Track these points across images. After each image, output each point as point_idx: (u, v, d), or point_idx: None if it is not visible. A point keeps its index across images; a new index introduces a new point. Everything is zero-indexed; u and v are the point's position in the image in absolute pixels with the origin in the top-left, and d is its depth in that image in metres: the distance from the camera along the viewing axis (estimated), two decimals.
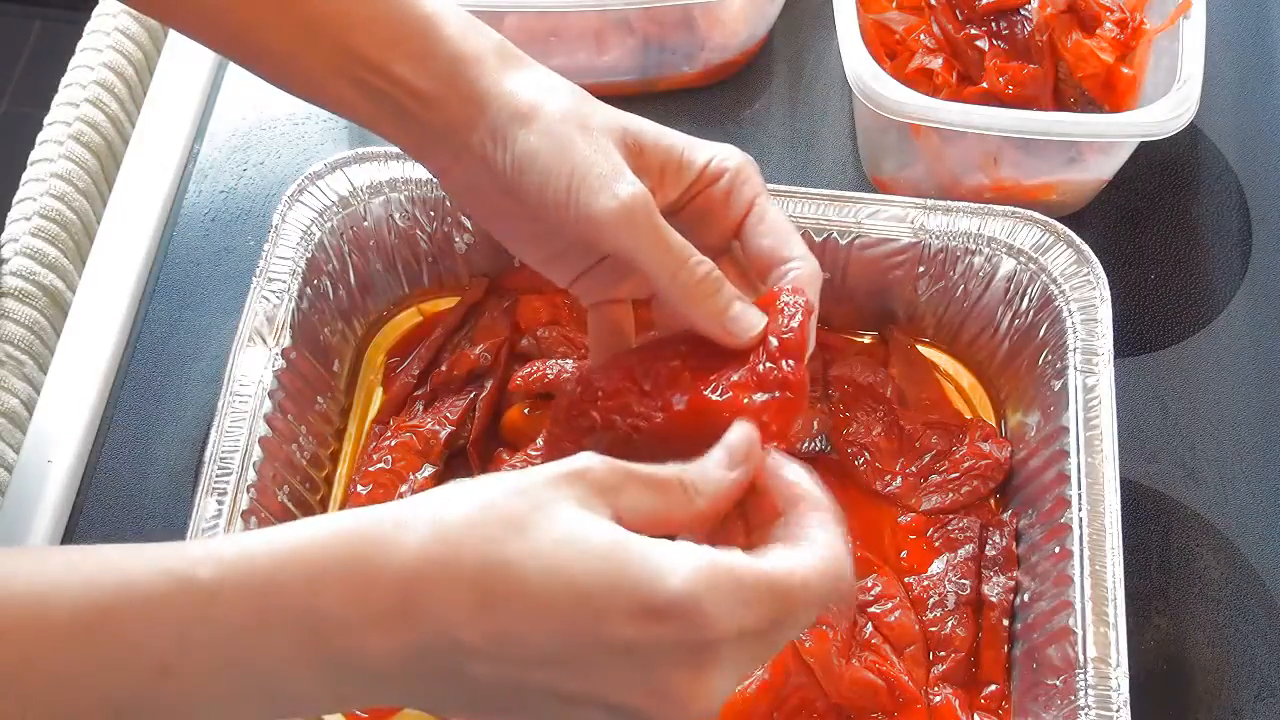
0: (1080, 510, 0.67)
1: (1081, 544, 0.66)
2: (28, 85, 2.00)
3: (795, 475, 0.51)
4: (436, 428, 0.76)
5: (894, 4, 0.89)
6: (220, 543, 0.44)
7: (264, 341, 0.72)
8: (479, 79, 0.56)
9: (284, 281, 0.74)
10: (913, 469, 0.77)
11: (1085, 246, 0.75)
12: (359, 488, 0.75)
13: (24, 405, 0.83)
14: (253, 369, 0.71)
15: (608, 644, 0.43)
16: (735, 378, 0.56)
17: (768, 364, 0.55)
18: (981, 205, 0.77)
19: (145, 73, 1.00)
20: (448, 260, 0.82)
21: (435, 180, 0.62)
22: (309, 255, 0.76)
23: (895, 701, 0.69)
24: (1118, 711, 0.62)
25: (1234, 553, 0.78)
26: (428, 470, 0.76)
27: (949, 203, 0.77)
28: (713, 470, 0.50)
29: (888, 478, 0.77)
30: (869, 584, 0.72)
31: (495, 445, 0.78)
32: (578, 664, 0.43)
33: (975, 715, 0.70)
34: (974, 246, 0.77)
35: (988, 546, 0.74)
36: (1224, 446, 0.81)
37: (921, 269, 0.78)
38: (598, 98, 0.59)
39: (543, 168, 0.55)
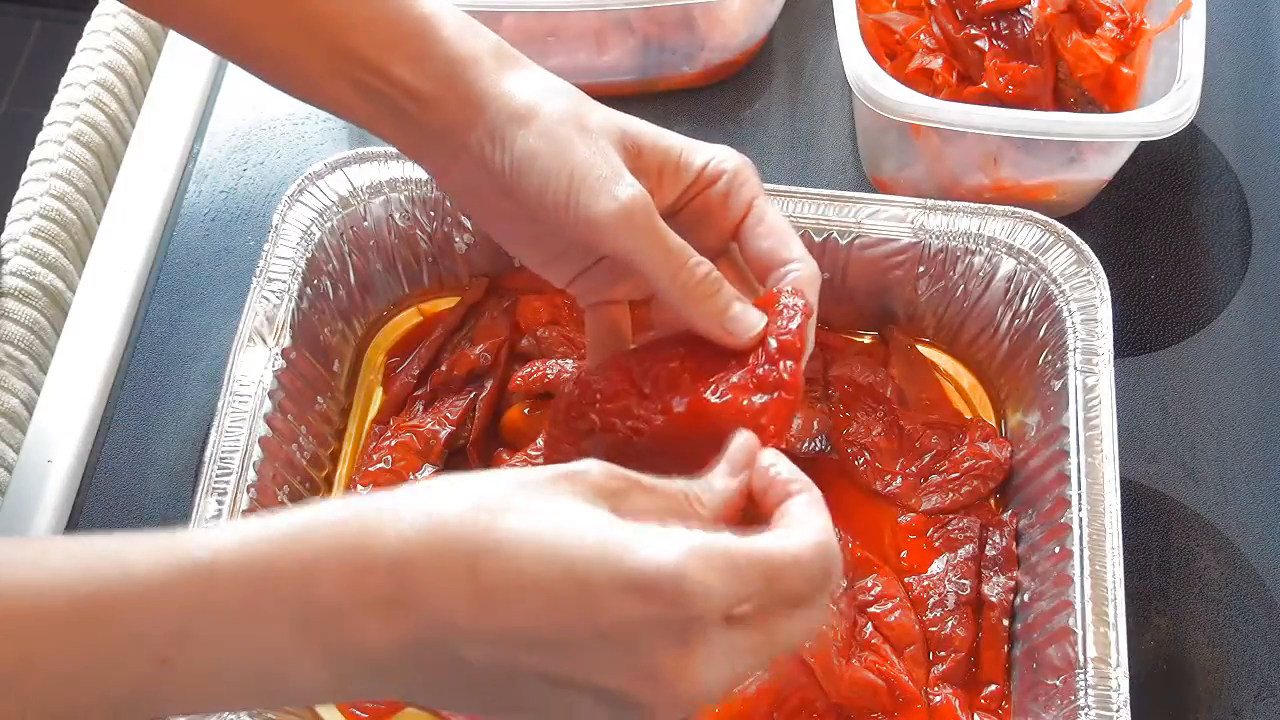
0: (1080, 510, 0.67)
1: (1081, 544, 0.66)
2: (28, 85, 2.00)
3: (786, 470, 0.51)
4: (436, 428, 0.76)
5: (894, 4, 0.89)
6: (218, 531, 0.45)
7: (264, 341, 0.72)
8: (477, 80, 0.56)
9: (284, 281, 0.74)
10: (913, 469, 0.77)
11: (1085, 246, 0.75)
12: (359, 488, 0.75)
13: (24, 405, 0.83)
14: (253, 369, 0.71)
15: (596, 624, 0.43)
16: (734, 379, 0.56)
17: (766, 365, 0.55)
18: (981, 205, 0.77)
19: (145, 73, 1.00)
20: (448, 260, 0.82)
21: (435, 180, 0.62)
22: (309, 255, 0.76)
23: (895, 701, 0.69)
24: (1118, 711, 0.62)
25: (1234, 553, 0.78)
26: (428, 470, 0.76)
27: (949, 203, 0.77)
28: (716, 481, 0.50)
29: (888, 478, 0.77)
30: (869, 584, 0.72)
31: (495, 445, 0.78)
32: (568, 646, 0.43)
33: (975, 715, 0.70)
34: (974, 246, 0.77)
35: (988, 546, 0.74)
36: (1224, 446, 0.81)
37: (921, 269, 0.78)
38: (597, 98, 0.59)
39: (542, 169, 0.55)
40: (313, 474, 0.75)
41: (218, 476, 0.68)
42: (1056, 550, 0.68)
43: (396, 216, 0.79)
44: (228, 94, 0.96)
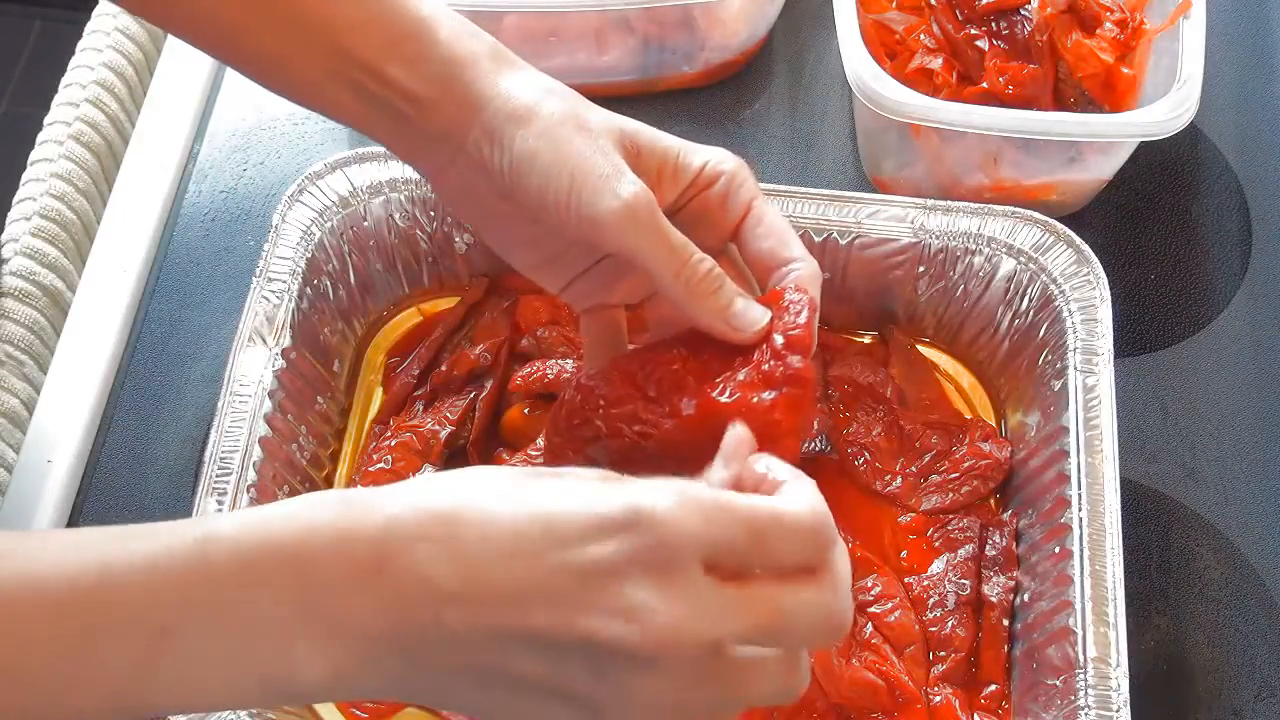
0: (1080, 510, 0.67)
1: (1081, 544, 0.66)
2: (28, 85, 2.00)
3: (781, 468, 0.50)
4: (436, 428, 0.76)
5: (894, 4, 0.89)
6: (214, 517, 0.45)
7: (264, 341, 0.72)
8: (474, 81, 0.56)
9: (284, 281, 0.74)
10: (913, 469, 0.77)
11: (1085, 246, 0.75)
12: (359, 488, 0.75)
13: (24, 405, 0.83)
14: (253, 369, 0.71)
15: (572, 567, 0.43)
16: (741, 378, 0.55)
17: (773, 361, 0.55)
18: (981, 205, 0.77)
19: (145, 73, 1.00)
20: (448, 260, 0.82)
21: (430, 183, 0.62)
22: (309, 255, 0.76)
23: (895, 701, 0.69)
24: (1118, 711, 0.62)
25: (1234, 553, 0.78)
26: (428, 470, 0.76)
27: (949, 203, 0.77)
28: (713, 477, 0.50)
29: (888, 478, 0.77)
30: (869, 584, 0.72)
31: (495, 445, 0.78)
32: (547, 594, 0.43)
33: (975, 715, 0.70)
34: (974, 246, 0.77)
35: (988, 546, 0.74)
36: (1224, 446, 0.81)
37: (921, 269, 0.78)
38: (597, 98, 0.59)
39: (542, 169, 0.55)
40: (313, 474, 0.75)
41: (218, 476, 0.68)
42: (1056, 550, 0.68)
43: (396, 216, 0.79)
44: (228, 94, 0.96)
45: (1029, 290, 0.76)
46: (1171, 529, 0.78)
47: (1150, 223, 0.90)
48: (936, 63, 0.87)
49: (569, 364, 0.77)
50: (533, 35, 0.88)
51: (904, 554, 0.75)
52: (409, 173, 0.78)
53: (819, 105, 0.96)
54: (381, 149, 0.78)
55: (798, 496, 0.46)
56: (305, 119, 0.95)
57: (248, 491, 0.68)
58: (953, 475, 0.76)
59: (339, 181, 0.78)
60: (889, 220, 0.77)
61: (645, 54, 0.92)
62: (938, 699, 0.70)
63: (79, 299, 0.87)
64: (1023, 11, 0.85)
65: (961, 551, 0.74)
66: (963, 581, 0.72)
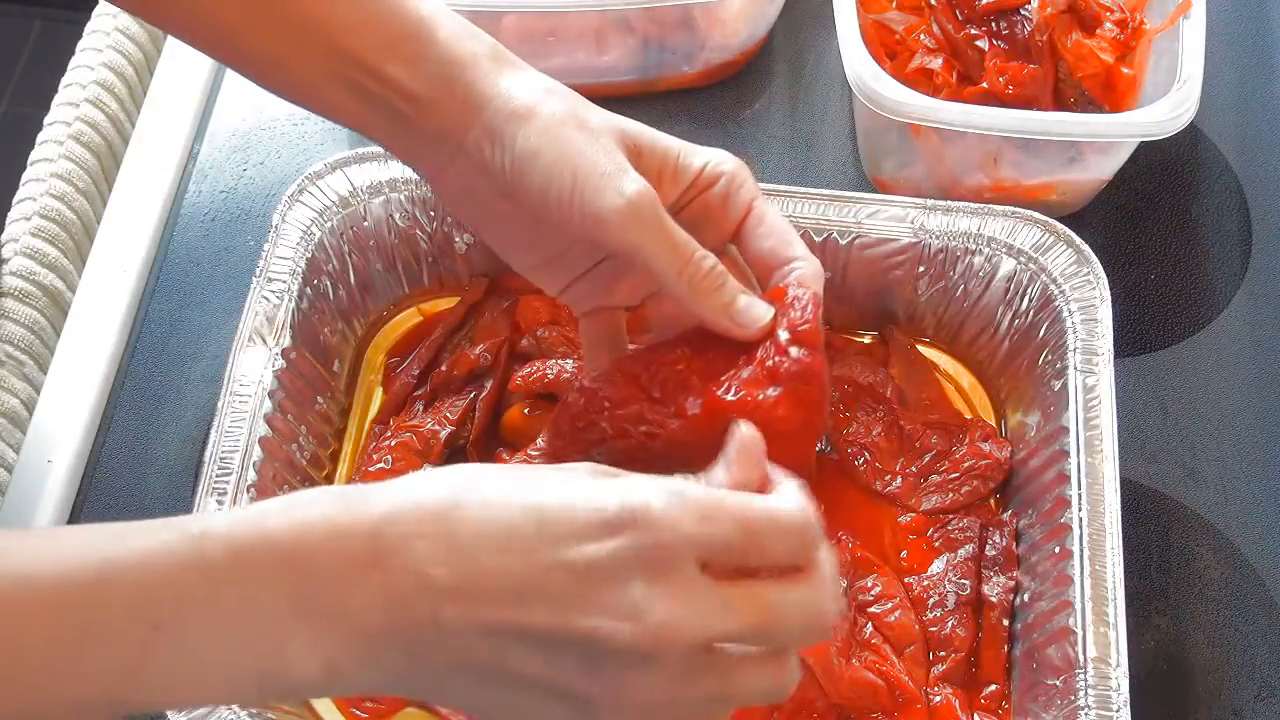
0: (1080, 510, 0.67)
1: (1081, 544, 0.66)
2: (28, 85, 2.00)
3: (774, 473, 0.51)
4: (436, 428, 0.76)
5: (894, 4, 0.89)
6: (211, 514, 0.45)
7: (264, 341, 0.72)
8: (474, 81, 0.56)
9: (284, 281, 0.74)
10: (913, 469, 0.77)
11: (1085, 246, 0.75)
12: (357, 484, 0.75)
13: (24, 405, 0.83)
14: (253, 369, 0.71)
15: (567, 565, 0.43)
16: (745, 375, 0.55)
17: (778, 357, 0.55)
18: (981, 205, 0.77)
19: (145, 73, 1.00)
20: (448, 260, 0.82)
21: (429, 184, 0.62)
22: (309, 255, 0.76)
23: (895, 701, 0.69)
24: (1118, 711, 0.62)
25: (1234, 553, 0.78)
26: (428, 470, 0.76)
27: (949, 203, 0.77)
28: (714, 479, 0.50)
29: (888, 478, 0.77)
30: (869, 584, 0.72)
31: (495, 445, 0.78)
32: (542, 591, 0.43)
33: (975, 715, 0.70)
34: (974, 246, 0.77)
35: (988, 546, 0.74)
36: (1224, 446, 0.81)
37: (921, 269, 0.78)
38: (597, 98, 0.59)
39: (544, 167, 0.55)
40: (313, 474, 0.75)
41: (218, 476, 0.68)
42: (1056, 550, 0.68)
43: (396, 216, 0.79)
44: (228, 94, 0.96)
45: (1029, 290, 0.76)
46: (1171, 529, 0.78)
47: (1150, 223, 0.90)
48: (936, 63, 0.87)
49: (569, 364, 0.77)
50: (532, 35, 0.88)
51: (904, 554, 0.75)
52: (409, 173, 0.78)
53: (819, 105, 0.96)
54: (381, 149, 0.78)
55: (788, 496, 0.47)
56: (305, 119, 0.95)
57: (248, 491, 0.68)
58: (953, 475, 0.76)
59: (339, 181, 0.78)
60: (889, 220, 0.77)
61: (645, 54, 0.92)
62: (938, 699, 0.70)
63: (79, 299, 0.87)
64: (1023, 11, 0.85)
65: (961, 551, 0.74)
66: (963, 581, 0.72)
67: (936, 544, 0.75)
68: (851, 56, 0.81)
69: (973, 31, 0.87)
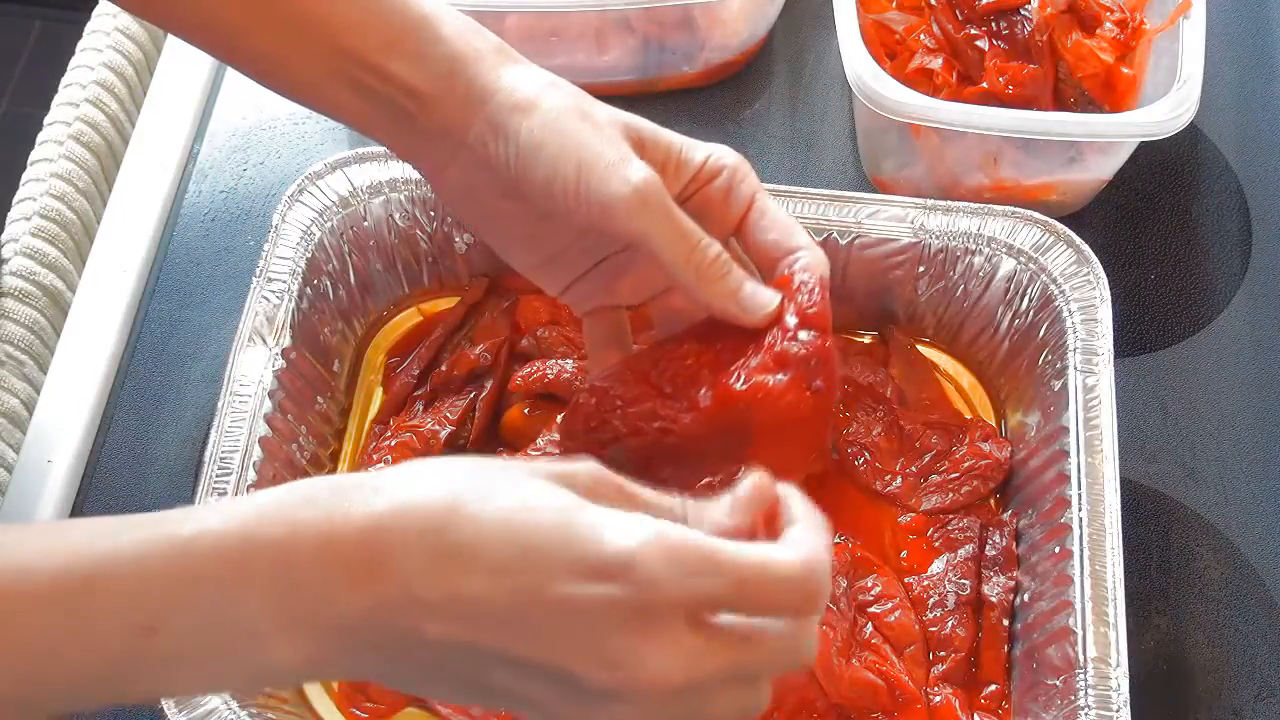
0: (1080, 510, 0.67)
1: (1081, 544, 0.66)
2: (28, 85, 2.00)
3: (796, 505, 0.49)
4: (436, 428, 0.76)
5: (894, 4, 0.89)
6: (202, 509, 0.45)
7: (264, 341, 0.72)
8: (477, 76, 0.56)
9: (284, 281, 0.74)
10: (913, 469, 0.77)
11: (1085, 246, 0.75)
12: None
13: (24, 405, 0.83)
14: (253, 369, 0.71)
15: (554, 603, 0.43)
16: (754, 363, 0.55)
17: (786, 342, 0.55)
18: (981, 205, 0.77)
19: (145, 73, 1.00)
20: (448, 260, 0.82)
21: (430, 183, 0.62)
22: (309, 255, 0.76)
23: (895, 701, 0.69)
24: (1118, 711, 0.62)
25: (1234, 553, 0.78)
26: (425, 464, 0.75)
27: (949, 203, 0.77)
28: (714, 512, 0.48)
29: (888, 478, 0.77)
30: (869, 584, 0.72)
31: (495, 445, 0.78)
32: (526, 624, 0.44)
33: (975, 715, 0.70)
34: (974, 246, 0.77)
35: (988, 546, 0.74)
36: (1224, 446, 0.81)
37: (921, 269, 0.78)
38: (597, 98, 0.59)
39: (549, 158, 0.55)
40: (312, 474, 0.75)
41: (218, 476, 0.68)
42: (1056, 550, 0.68)
43: (396, 216, 0.79)
44: (228, 94, 0.96)
45: (1029, 290, 0.76)
46: (1171, 529, 0.78)
47: (1150, 223, 0.90)
48: (936, 63, 0.87)
49: (569, 364, 0.77)
50: (534, 35, 0.89)
51: (904, 554, 0.75)
52: (409, 173, 0.78)
53: (819, 105, 0.96)
54: (382, 149, 0.78)
55: (793, 547, 0.46)
56: (305, 119, 0.95)
57: (247, 492, 0.68)
58: (953, 475, 0.76)
59: (339, 181, 0.78)
60: (889, 220, 0.77)
61: (645, 54, 0.92)
62: (938, 699, 0.70)
63: (79, 299, 0.87)
64: (1023, 11, 0.85)
65: (961, 551, 0.74)
66: (963, 581, 0.72)
67: (936, 544, 0.75)
68: (851, 56, 0.81)
69: (973, 31, 0.87)
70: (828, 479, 0.77)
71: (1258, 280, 0.88)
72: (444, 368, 0.79)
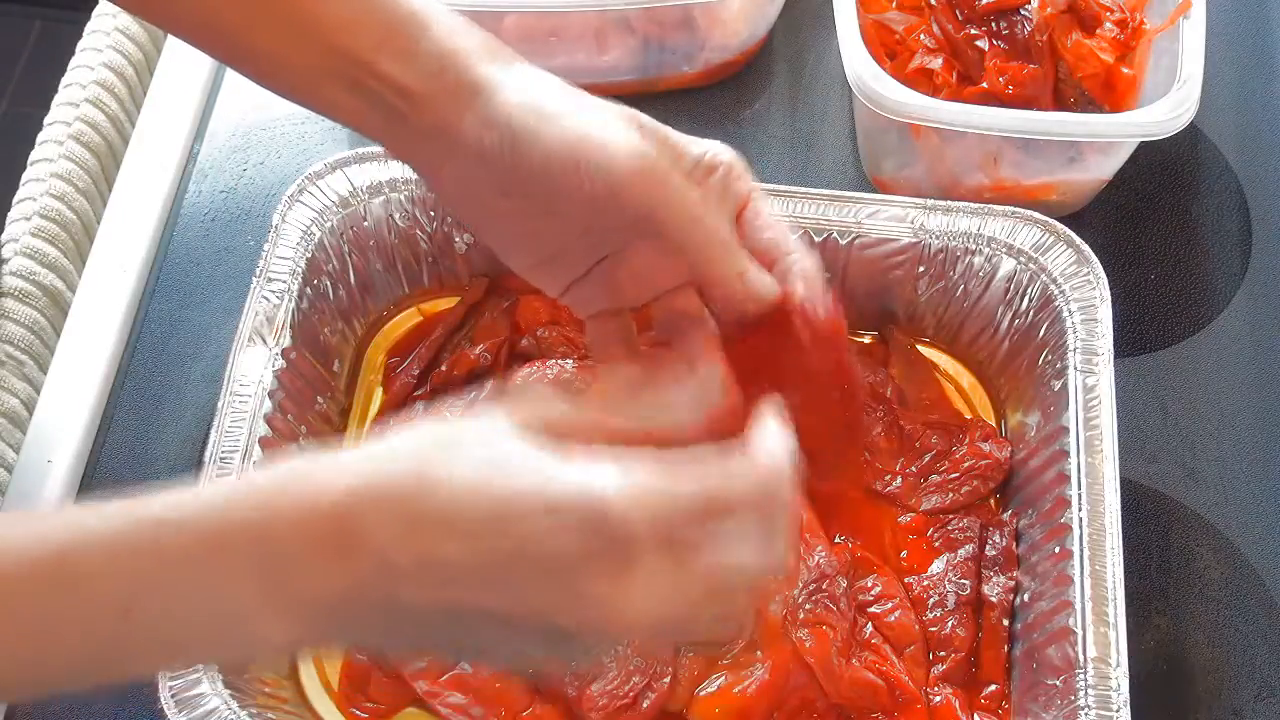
0: (1080, 510, 0.67)
1: (1081, 544, 0.66)
2: (28, 85, 2.00)
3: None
4: None
5: (894, 4, 0.89)
6: (176, 493, 0.45)
7: (264, 341, 0.72)
8: (467, 70, 0.56)
9: (284, 281, 0.74)
10: (913, 469, 0.77)
11: (1085, 246, 0.75)
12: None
13: (24, 405, 0.83)
14: (253, 369, 0.71)
15: (529, 556, 0.44)
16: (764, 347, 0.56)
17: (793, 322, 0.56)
18: (981, 205, 0.77)
19: (145, 73, 1.00)
20: (448, 260, 0.82)
21: (427, 183, 0.62)
22: (309, 255, 0.76)
23: (895, 701, 0.69)
24: (1118, 711, 0.62)
25: (1234, 553, 0.78)
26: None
27: (949, 203, 0.77)
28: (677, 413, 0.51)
29: (888, 478, 0.77)
30: (869, 584, 0.72)
31: None
32: (502, 579, 0.44)
33: (975, 715, 0.70)
34: (974, 246, 0.77)
35: (988, 546, 0.74)
36: (1224, 446, 0.81)
37: (921, 269, 0.78)
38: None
39: (546, 144, 0.54)
40: None
41: (218, 476, 0.68)
42: (1056, 550, 0.68)
43: (396, 216, 0.79)
44: (228, 94, 0.96)
45: (1029, 290, 0.76)
46: (1171, 529, 0.78)
47: (1150, 223, 0.90)
48: (936, 63, 0.87)
49: (569, 364, 0.77)
50: (533, 35, 0.89)
51: (904, 554, 0.75)
52: (409, 172, 0.78)
53: (819, 105, 0.96)
54: (381, 149, 0.78)
55: (751, 453, 0.48)
56: (305, 119, 0.95)
57: None
58: (953, 475, 0.76)
59: (339, 181, 0.78)
60: (889, 220, 0.77)
61: (645, 54, 0.92)
62: (938, 699, 0.70)
63: (79, 299, 0.87)
64: (1023, 11, 0.85)
65: (961, 551, 0.74)
66: (963, 581, 0.72)
67: (936, 544, 0.75)
68: (851, 56, 0.81)
69: (973, 31, 0.87)
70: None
71: (1258, 280, 0.88)
72: (444, 368, 0.79)
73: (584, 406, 0.49)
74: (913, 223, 0.77)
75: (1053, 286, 0.75)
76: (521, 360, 0.79)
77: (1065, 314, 0.74)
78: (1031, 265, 0.76)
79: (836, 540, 0.74)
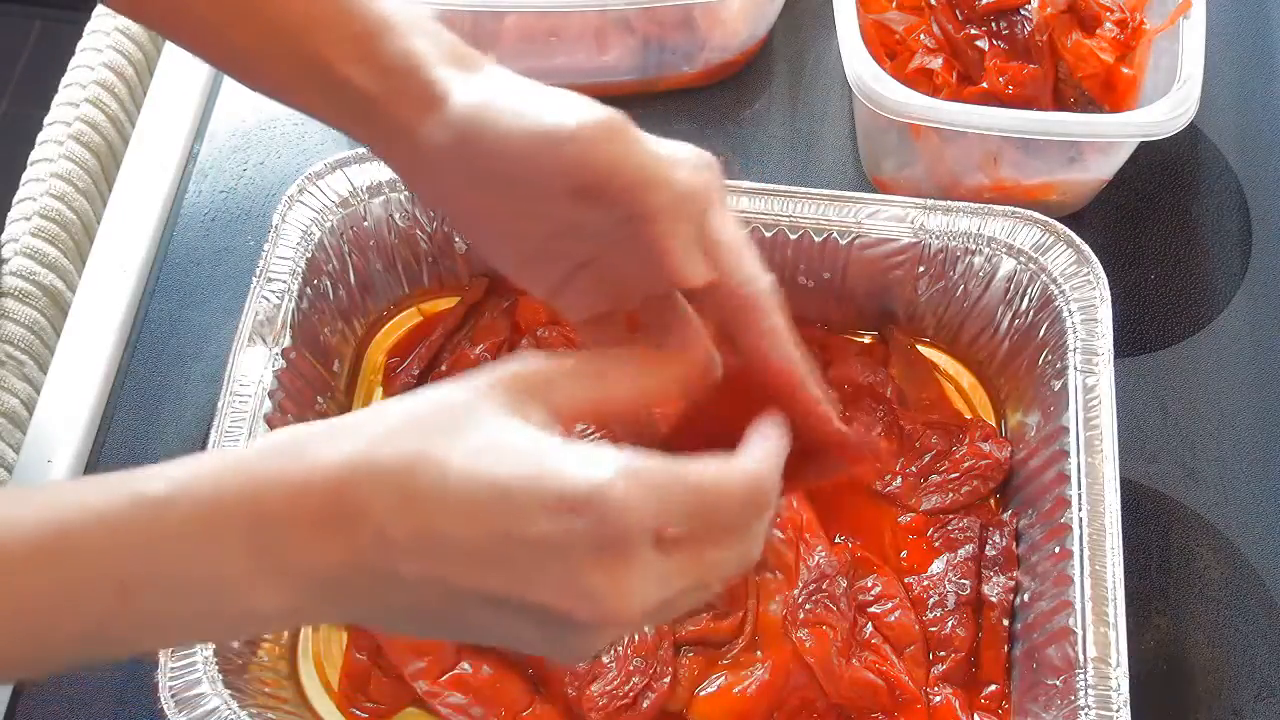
0: (1080, 510, 0.67)
1: (1081, 544, 0.66)
2: (28, 85, 2.00)
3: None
4: None
5: (894, 4, 0.89)
6: (171, 465, 0.45)
7: (264, 341, 0.72)
8: (426, 74, 0.55)
9: (284, 281, 0.74)
10: (913, 469, 0.77)
11: (1085, 246, 0.75)
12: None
13: (24, 405, 0.83)
14: (253, 369, 0.71)
15: (526, 539, 0.44)
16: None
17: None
18: (981, 205, 0.77)
19: (145, 73, 1.00)
20: (448, 260, 0.82)
21: (407, 186, 0.61)
22: (309, 255, 0.76)
23: (895, 701, 0.69)
24: (1118, 711, 0.62)
25: (1234, 553, 0.78)
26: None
27: (949, 203, 0.77)
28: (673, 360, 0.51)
29: (888, 478, 0.77)
30: (869, 584, 0.72)
31: None
32: (500, 561, 0.44)
33: (975, 715, 0.70)
34: (974, 246, 0.77)
35: (988, 546, 0.74)
36: (1224, 446, 0.81)
37: (921, 269, 0.78)
38: (597, 98, 0.58)
39: (501, 133, 0.53)
40: None
41: None
42: (1056, 550, 0.68)
43: (396, 216, 0.79)
44: (228, 94, 0.96)
45: (1029, 290, 0.76)
46: (1171, 529, 0.78)
47: (1150, 223, 0.90)
48: (936, 63, 0.87)
49: None
50: (533, 35, 0.89)
51: (904, 554, 0.75)
52: None
53: (819, 105, 0.96)
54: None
55: (747, 459, 0.48)
56: (305, 119, 0.94)
57: None
58: (953, 475, 0.76)
59: (339, 181, 0.78)
60: (889, 220, 0.77)
61: (645, 54, 0.92)
62: (938, 699, 0.70)
63: (79, 299, 0.87)
64: (1023, 11, 0.85)
65: (961, 551, 0.74)
66: (963, 581, 0.72)
67: (936, 544, 0.75)
68: (851, 56, 0.81)
69: (973, 31, 0.87)
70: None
71: (1258, 280, 0.88)
72: (444, 368, 0.79)
73: (576, 373, 0.49)
74: (913, 223, 0.77)
75: (1053, 286, 0.75)
76: None
77: (1065, 314, 0.74)
78: (1031, 265, 0.76)
79: (836, 540, 0.74)
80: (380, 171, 0.78)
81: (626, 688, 0.68)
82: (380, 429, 0.46)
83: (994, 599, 0.72)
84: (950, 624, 0.71)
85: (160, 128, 0.95)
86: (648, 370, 0.52)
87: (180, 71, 0.98)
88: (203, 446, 0.70)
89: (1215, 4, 0.91)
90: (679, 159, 0.54)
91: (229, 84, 0.97)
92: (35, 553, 0.43)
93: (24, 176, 0.92)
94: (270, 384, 0.71)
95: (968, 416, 0.80)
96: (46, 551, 0.43)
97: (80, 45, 0.98)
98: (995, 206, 0.77)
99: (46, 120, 0.94)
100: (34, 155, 0.93)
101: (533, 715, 0.68)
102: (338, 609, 0.47)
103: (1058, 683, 0.65)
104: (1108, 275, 0.74)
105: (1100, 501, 0.67)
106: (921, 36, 0.87)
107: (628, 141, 0.52)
